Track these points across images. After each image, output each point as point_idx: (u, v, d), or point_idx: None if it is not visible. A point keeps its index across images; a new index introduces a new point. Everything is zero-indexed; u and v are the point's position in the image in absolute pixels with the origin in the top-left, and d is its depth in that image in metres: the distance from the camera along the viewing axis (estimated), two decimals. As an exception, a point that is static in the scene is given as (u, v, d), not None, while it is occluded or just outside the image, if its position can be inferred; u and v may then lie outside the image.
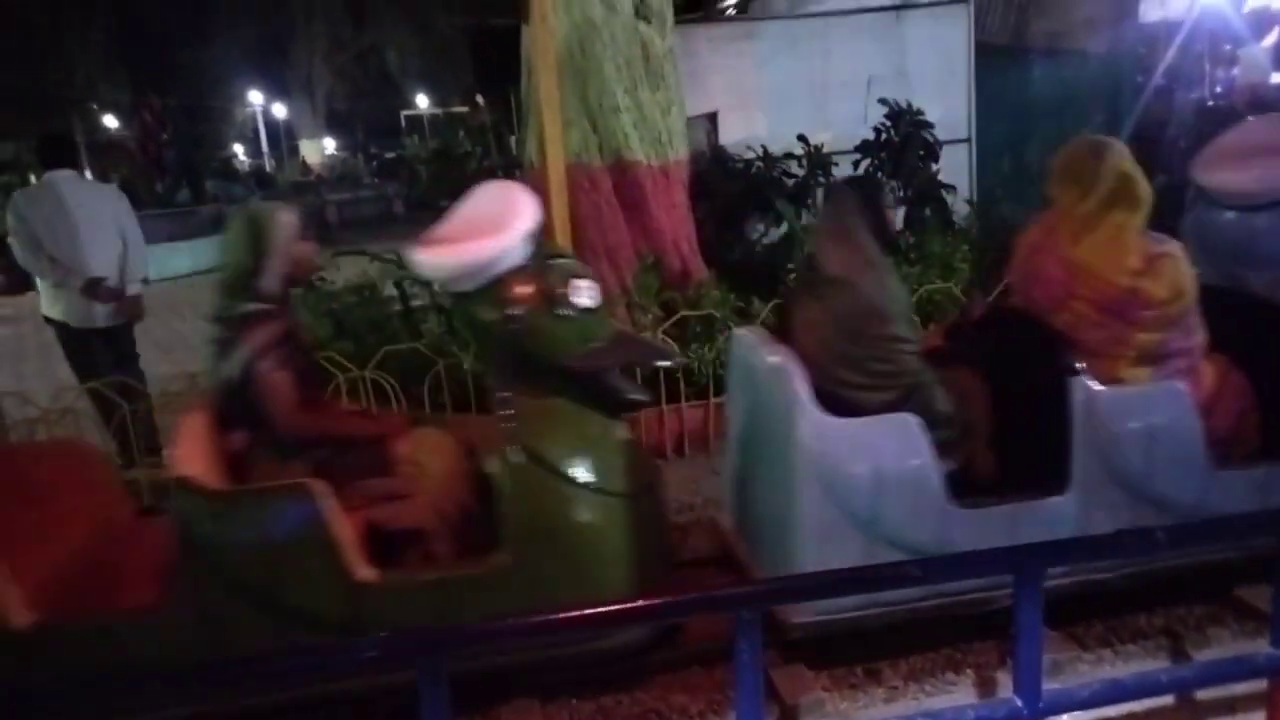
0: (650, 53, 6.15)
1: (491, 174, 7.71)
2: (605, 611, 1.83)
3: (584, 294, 2.77)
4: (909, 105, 6.78)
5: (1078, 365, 2.87)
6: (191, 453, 2.64)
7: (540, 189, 5.04)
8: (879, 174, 6.81)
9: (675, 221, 6.32)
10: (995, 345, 3.22)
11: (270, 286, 2.88)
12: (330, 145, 39.70)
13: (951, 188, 6.81)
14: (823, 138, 7.24)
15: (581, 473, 2.67)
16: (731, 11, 9.95)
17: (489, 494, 2.77)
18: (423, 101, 35.67)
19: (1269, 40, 14.98)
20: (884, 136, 6.82)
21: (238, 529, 2.53)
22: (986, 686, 2.75)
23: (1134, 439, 2.85)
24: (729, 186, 7.11)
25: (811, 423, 2.72)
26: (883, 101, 6.83)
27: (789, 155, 7.21)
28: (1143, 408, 2.88)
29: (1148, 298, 2.87)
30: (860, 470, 2.70)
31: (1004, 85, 9.04)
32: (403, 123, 33.43)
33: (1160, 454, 2.87)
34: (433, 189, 7.97)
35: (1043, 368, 2.93)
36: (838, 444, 2.72)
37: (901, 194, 6.78)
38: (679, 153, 6.37)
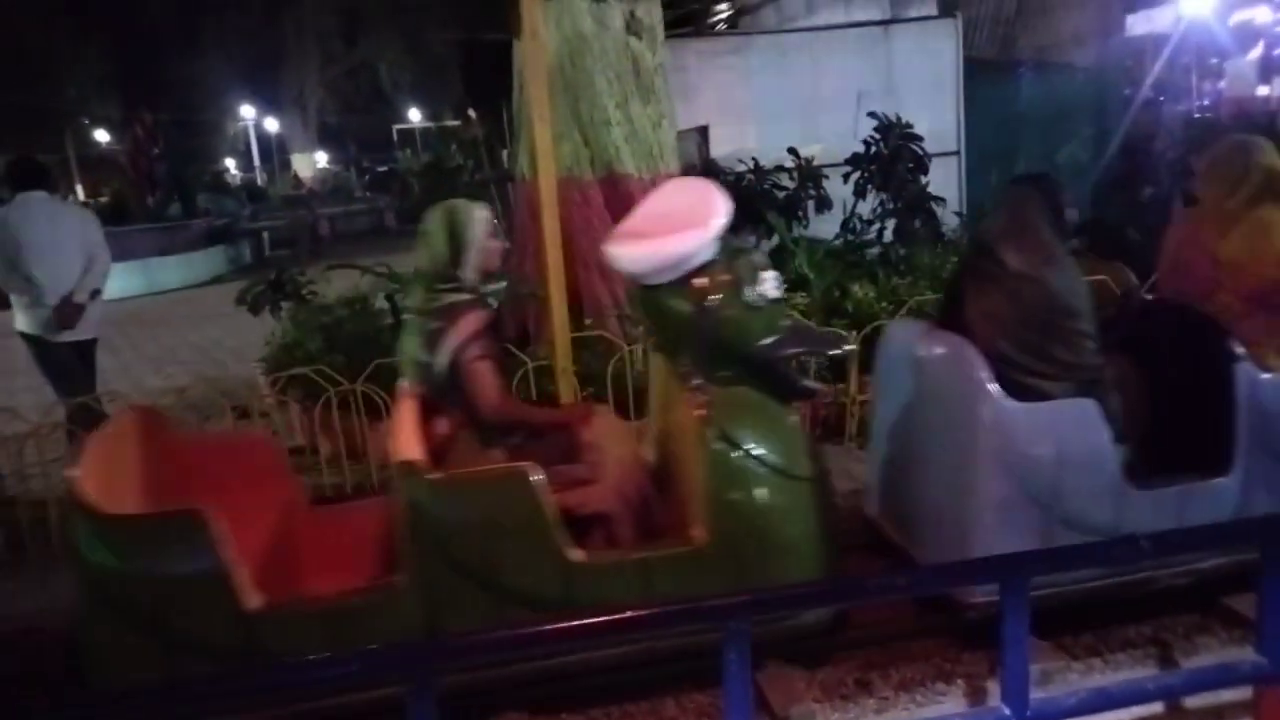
0: (641, 67, 6.19)
1: (484, 187, 7.72)
2: (593, 623, 1.84)
3: (770, 285, 2.89)
4: (898, 118, 6.83)
5: (1239, 352, 3.01)
6: (409, 438, 2.73)
7: (531, 202, 5.07)
8: (869, 187, 6.85)
9: (666, 234, 6.34)
10: (1156, 335, 3.33)
11: (469, 278, 2.98)
12: (322, 159, 39.72)
13: (941, 200, 6.85)
14: (813, 151, 7.28)
15: (773, 457, 2.77)
16: (722, 26, 10.02)
17: (659, 478, 2.95)
18: (415, 115, 35.75)
19: (1254, 54, 15.14)
20: (874, 149, 6.86)
21: (461, 511, 2.63)
22: (976, 696, 2.75)
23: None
24: (721, 200, 7.13)
25: (994, 407, 2.84)
26: (872, 115, 6.87)
27: (779, 168, 7.26)
28: None
29: None
30: (1043, 453, 2.82)
31: (992, 99, 9.12)
32: (395, 136, 33.48)
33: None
34: (424, 202, 7.96)
35: (1206, 356, 3.06)
36: (1020, 428, 2.84)
37: (891, 206, 6.82)
38: (670, 166, 6.41)
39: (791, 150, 7.18)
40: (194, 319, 12.69)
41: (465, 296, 2.96)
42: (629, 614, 1.97)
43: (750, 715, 1.86)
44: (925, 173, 6.76)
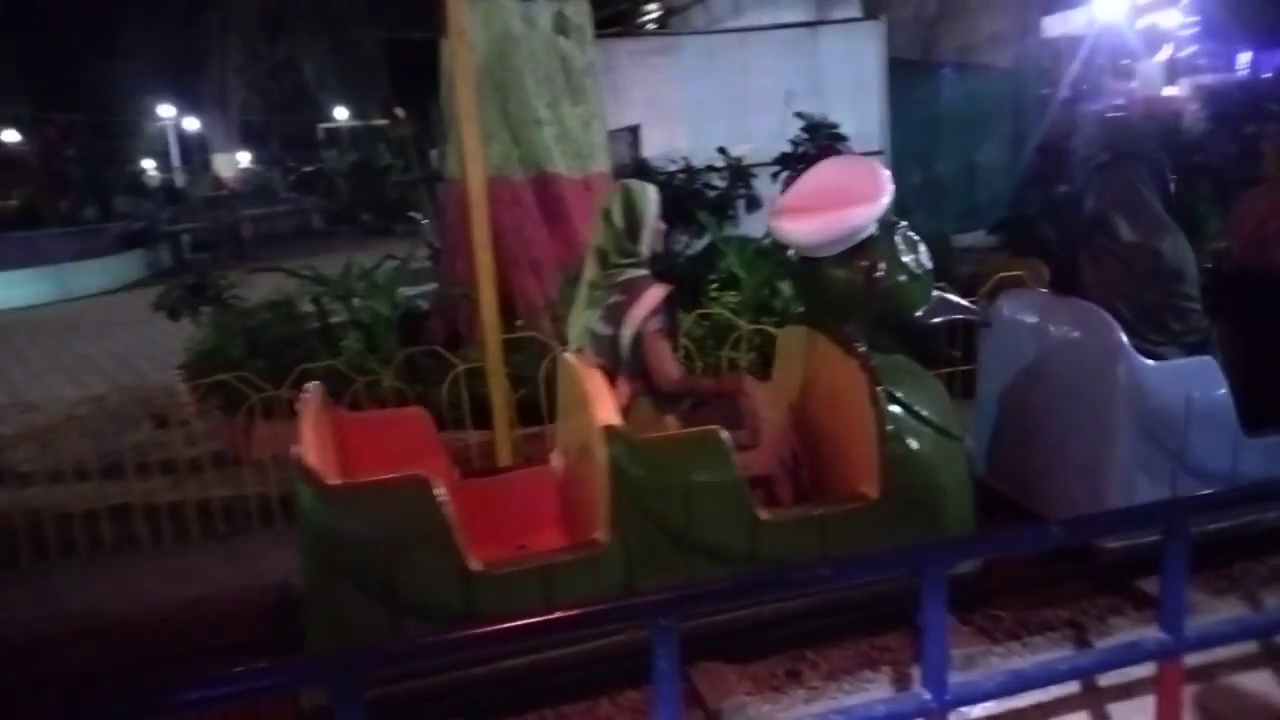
0: (571, 67, 6.19)
1: (413, 187, 7.63)
2: (518, 625, 1.83)
3: (925, 255, 3.12)
4: (825, 119, 6.94)
5: None
6: (608, 405, 2.84)
7: (461, 202, 5.03)
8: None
9: (597, 234, 6.35)
10: (1249, 300, 3.66)
11: (645, 253, 3.12)
12: (245, 159, 38.69)
13: (866, 198, 6.99)
14: (743, 150, 7.36)
15: (935, 417, 2.96)
16: (652, 26, 10.06)
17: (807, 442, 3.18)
18: (341, 114, 35.04)
19: (1161, 56, 15.78)
20: (801, 149, 6.97)
21: (660, 471, 2.76)
22: (901, 682, 2.82)
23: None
24: (651, 199, 7.16)
25: (1129, 367, 3.10)
26: (799, 115, 6.98)
27: (710, 168, 7.32)
28: None
29: None
30: (1173, 406, 3.12)
31: (914, 99, 9.34)
32: (320, 136, 32.77)
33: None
34: (352, 202, 7.83)
35: None
36: (1152, 385, 3.13)
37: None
38: (601, 165, 6.42)
39: (721, 150, 7.25)
40: (111, 325, 12.25)
41: (644, 272, 3.11)
42: (558, 615, 1.97)
43: (680, 711, 1.87)
44: (850, 171, 6.89)
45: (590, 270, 3.19)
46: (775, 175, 6.94)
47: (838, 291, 3.09)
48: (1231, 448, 3.18)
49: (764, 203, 7.07)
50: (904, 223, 3.23)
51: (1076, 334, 3.30)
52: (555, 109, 6.12)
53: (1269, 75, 14.55)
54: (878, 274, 2.99)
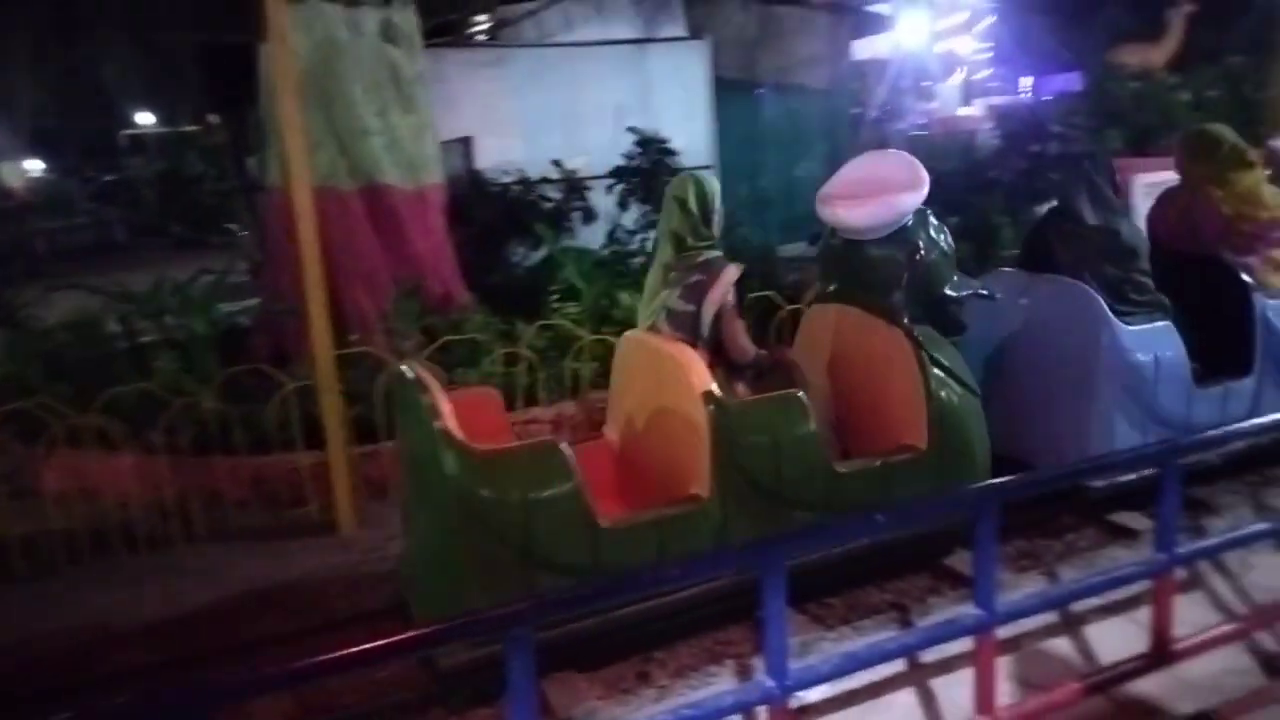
0: (399, 75, 6.06)
1: (229, 196, 7.23)
2: (372, 648, 1.79)
3: (949, 238, 3.63)
4: (656, 134, 7.12)
5: (1251, 283, 4.08)
6: (705, 374, 3.14)
7: (285, 213, 4.82)
8: (630, 198, 7.09)
9: (434, 246, 6.24)
10: (1184, 277, 4.16)
11: (717, 236, 3.45)
12: (38, 167, 35.35)
13: (696, 211, 7.21)
14: (577, 163, 7.43)
15: (965, 377, 3.46)
16: (482, 37, 9.99)
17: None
18: (147, 120, 32.66)
19: (955, 79, 17.13)
20: (634, 163, 7.12)
21: (755, 431, 3.12)
22: (745, 673, 2.93)
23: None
24: (487, 211, 7.12)
25: (1110, 330, 3.73)
26: (631, 130, 7.13)
27: (545, 180, 7.35)
28: None
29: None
30: (1145, 363, 3.77)
31: (738, 116, 9.72)
32: (123, 142, 30.42)
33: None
34: (163, 214, 7.33)
35: (1227, 289, 4.15)
36: (1128, 346, 3.77)
37: (654, 218, 7.10)
38: (434, 177, 6.31)
39: (556, 162, 7.30)
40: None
41: (719, 253, 3.41)
42: (412, 634, 1.93)
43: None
44: (682, 184, 7.09)
45: (665, 254, 3.46)
46: (610, 188, 7.06)
47: (884, 269, 3.55)
48: (1187, 397, 3.90)
49: (600, 215, 7.16)
50: (930, 210, 3.68)
51: (1062, 305, 3.89)
52: (384, 118, 5.97)
53: (1048, 98, 16.08)
54: (920, 254, 3.50)
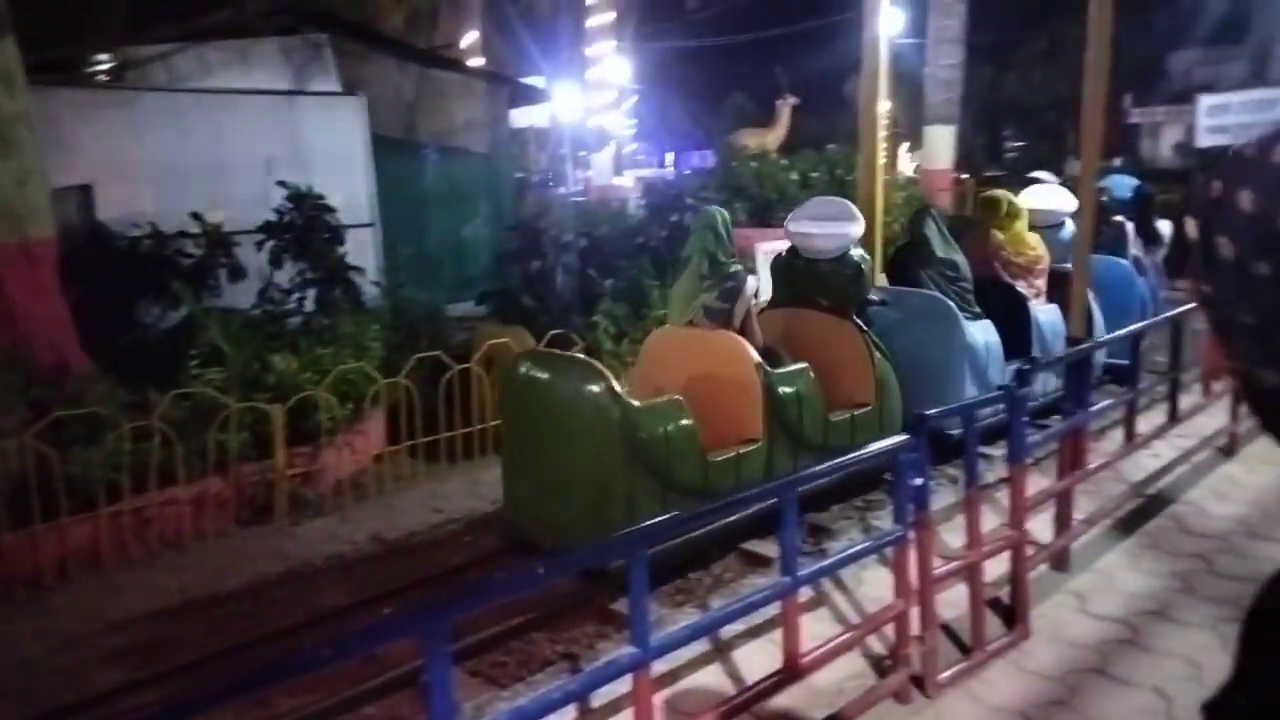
0: (-3, 114, 5.28)
1: None
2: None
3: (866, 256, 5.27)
4: (310, 189, 6.84)
5: (1025, 297, 5.99)
6: (752, 351, 4.46)
7: None
8: (285, 255, 6.72)
9: (43, 307, 5.46)
10: (986, 294, 5.78)
11: (736, 255, 4.78)
12: None
13: (360, 270, 7.02)
14: (221, 217, 6.92)
15: (887, 354, 5.03)
16: (104, 78, 9.00)
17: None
18: None
19: (608, 151, 18.39)
20: (287, 218, 6.77)
21: (790, 389, 4.48)
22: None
23: (1058, 336, 5.91)
24: (113, 267, 6.37)
25: (961, 328, 5.34)
26: (282, 184, 6.78)
27: (184, 234, 6.74)
28: (1051, 320, 6.01)
29: (1042, 262, 6.11)
30: (983, 346, 5.44)
31: (401, 175, 9.64)
32: None
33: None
34: None
35: (1014, 303, 5.90)
36: (975, 335, 5.41)
37: (310, 276, 6.78)
38: (43, 229, 5.55)
39: (195, 215, 6.73)
40: None
41: (740, 267, 4.66)
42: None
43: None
44: (341, 243, 6.87)
45: (700, 267, 4.62)
46: (260, 244, 6.64)
47: (836, 280, 5.02)
48: (1000, 370, 5.46)
49: (249, 272, 6.70)
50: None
51: (924, 308, 5.40)
52: (-23, 162, 5.17)
53: (686, 172, 17.77)
54: (862, 268, 5.02)
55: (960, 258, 5.61)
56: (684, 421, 4.03)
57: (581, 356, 4.54)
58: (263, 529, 5.10)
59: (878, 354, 4.87)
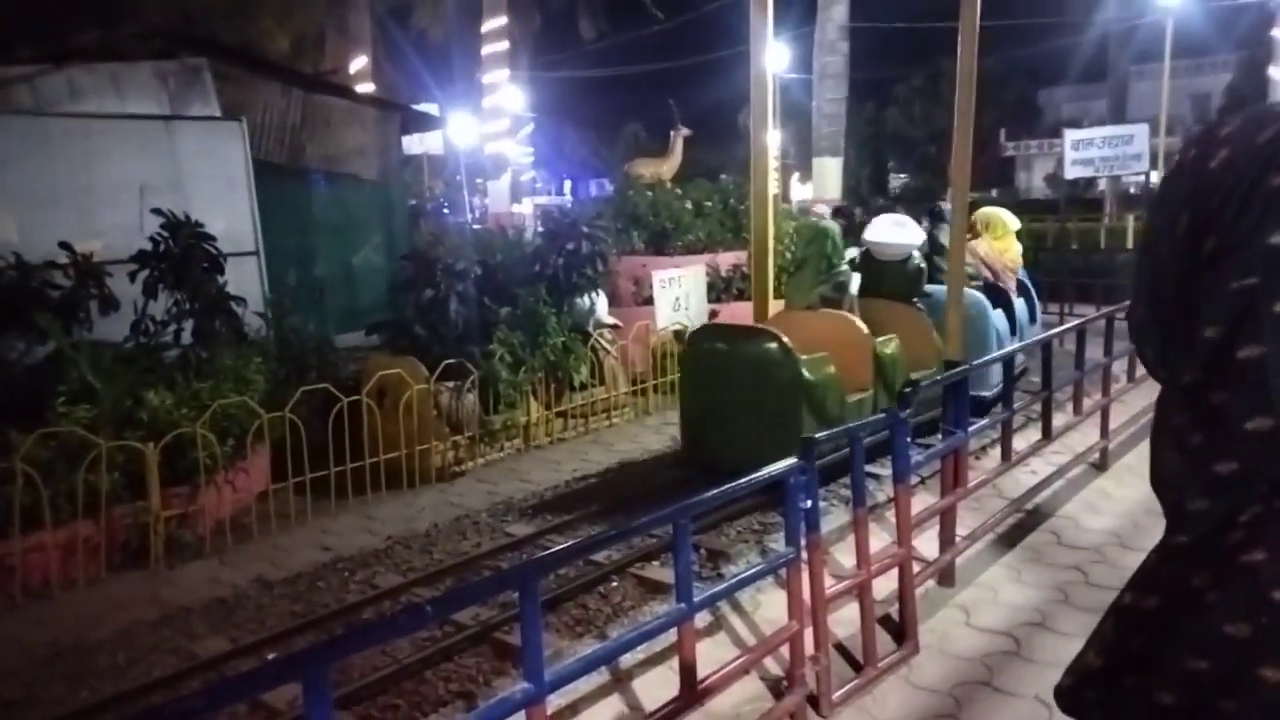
0: None
1: None
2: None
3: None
4: (187, 217, 6.55)
5: (1010, 294, 7.70)
6: (864, 326, 6.10)
7: None
8: (160, 286, 6.41)
9: (-113, 344, 5.05)
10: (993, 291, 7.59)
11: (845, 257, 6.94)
12: None
13: (242, 300, 6.75)
14: (92, 246, 6.55)
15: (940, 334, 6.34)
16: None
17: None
18: None
19: (505, 179, 18.33)
20: (163, 247, 6.46)
21: (887, 352, 6.07)
22: None
23: (1029, 323, 7.97)
24: (-31, 299, 5.96)
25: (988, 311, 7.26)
26: (156, 212, 6.47)
27: (51, 264, 6.35)
28: (1023, 310, 7.90)
29: (1017, 266, 7.93)
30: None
31: (286, 203, 9.36)
32: None
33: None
34: None
35: (1005, 296, 7.66)
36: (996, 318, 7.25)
37: (188, 307, 6.48)
38: (-114, 260, 5.15)
39: (65, 245, 6.36)
40: None
41: (847, 267, 6.81)
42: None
43: None
44: (222, 272, 6.59)
45: (819, 265, 6.75)
46: (133, 275, 6.31)
47: (906, 277, 6.72)
48: (1023, 337, 7.39)
49: (122, 304, 6.36)
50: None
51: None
52: None
53: (583, 200, 17.84)
54: (922, 267, 6.80)
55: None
56: (831, 370, 5.50)
57: (759, 326, 5.73)
58: (138, 574, 4.82)
59: (935, 331, 6.33)
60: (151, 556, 4.93)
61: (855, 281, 6.61)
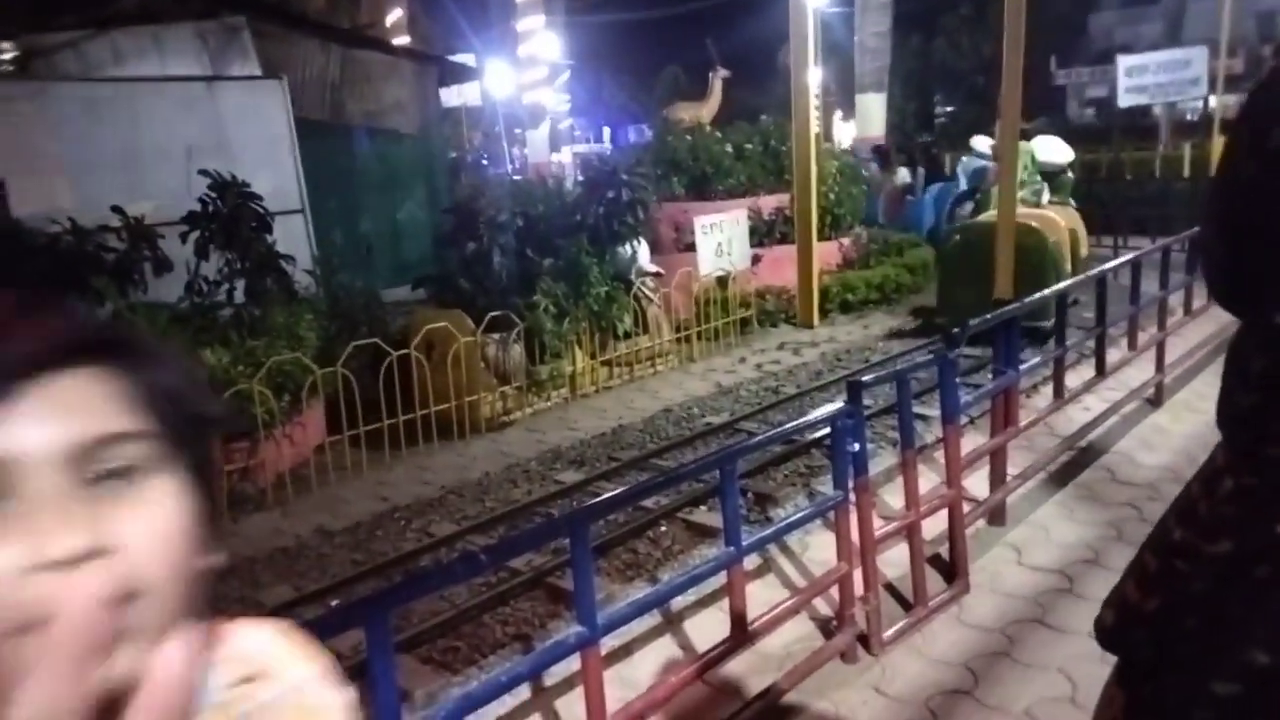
0: (-109, 109, 5.04)
1: None
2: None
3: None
4: (234, 177, 6.64)
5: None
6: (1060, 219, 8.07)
7: None
8: (210, 246, 6.53)
9: (-44, 311, 5.23)
10: None
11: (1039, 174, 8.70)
12: None
13: (290, 258, 6.85)
14: (143, 209, 6.68)
15: None
16: (8, 68, 8.62)
17: None
18: None
19: (543, 128, 18.18)
20: (212, 208, 6.57)
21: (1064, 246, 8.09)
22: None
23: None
24: (31, 265, 6.13)
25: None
26: (203, 173, 6.57)
27: (105, 228, 6.50)
28: None
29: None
30: None
31: (329, 159, 9.42)
32: None
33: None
34: None
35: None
36: None
37: (239, 266, 6.60)
38: (-50, 228, 5.32)
39: (116, 208, 6.50)
40: None
41: (1043, 183, 8.44)
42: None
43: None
44: (270, 231, 6.69)
45: (1022, 175, 7.82)
46: (185, 236, 6.44)
47: (1063, 185, 8.93)
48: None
49: (175, 266, 6.50)
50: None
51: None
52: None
53: (622, 147, 17.66)
54: (1071, 178, 9.25)
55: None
56: (1058, 239, 7.62)
57: (1021, 222, 7.50)
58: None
59: (1081, 224, 8.43)
60: (216, 509, 5.11)
61: (1046, 191, 8.31)
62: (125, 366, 0.56)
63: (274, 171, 7.97)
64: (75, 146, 7.35)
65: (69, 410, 0.52)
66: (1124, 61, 14.55)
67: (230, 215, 6.54)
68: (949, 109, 28.07)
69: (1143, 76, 14.08)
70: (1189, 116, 20.85)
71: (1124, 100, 14.67)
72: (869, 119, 16.81)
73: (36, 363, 0.52)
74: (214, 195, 6.51)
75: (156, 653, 0.53)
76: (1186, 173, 14.11)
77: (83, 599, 0.49)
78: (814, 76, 8.16)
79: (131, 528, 0.53)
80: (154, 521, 0.55)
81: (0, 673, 0.48)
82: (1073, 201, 9.01)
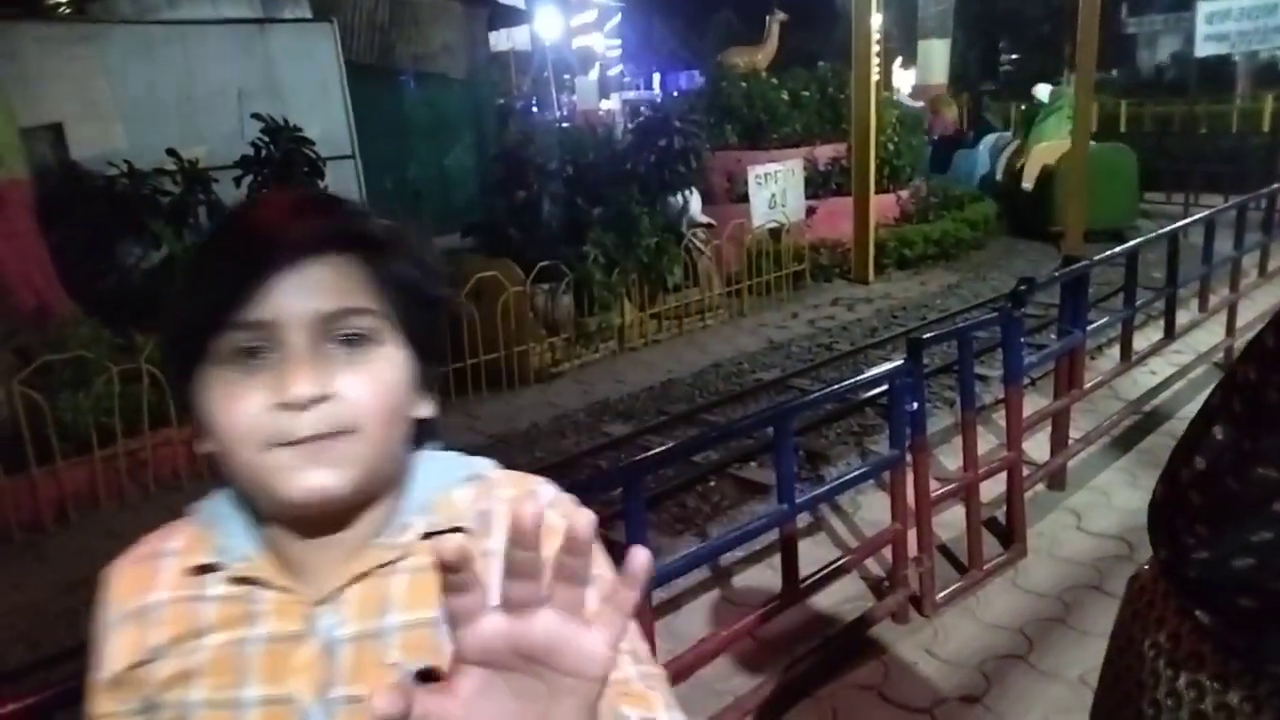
0: (-46, 50, 5.09)
1: None
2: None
3: None
4: (286, 122, 6.63)
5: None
6: None
7: None
8: (264, 190, 6.56)
9: (21, 250, 5.34)
10: None
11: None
12: None
13: (342, 204, 6.86)
14: (197, 153, 6.72)
15: None
16: (65, 11, 8.67)
17: None
18: None
19: (594, 74, 17.93)
20: (264, 153, 6.58)
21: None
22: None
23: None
24: (91, 208, 6.22)
25: None
26: (257, 117, 6.57)
27: (160, 171, 6.55)
28: None
29: None
30: None
31: (378, 104, 9.37)
32: None
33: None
34: None
35: None
36: None
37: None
38: (15, 170, 5.40)
39: (171, 152, 6.54)
40: None
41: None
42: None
43: None
44: (322, 176, 6.70)
45: (1068, 111, 8.99)
46: (238, 180, 6.47)
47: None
48: None
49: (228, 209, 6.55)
50: None
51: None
52: (-63, 101, 5.00)
53: (674, 93, 17.35)
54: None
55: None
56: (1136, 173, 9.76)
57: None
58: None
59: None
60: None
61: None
62: (372, 256, 0.73)
63: (324, 116, 7.95)
64: (130, 90, 7.38)
65: (321, 288, 0.70)
66: (1204, 7, 13.82)
67: (283, 160, 6.56)
68: (1014, 56, 27.05)
69: (1224, 23, 13.36)
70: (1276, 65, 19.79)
71: (1202, 49, 13.93)
72: (931, 66, 16.26)
73: (303, 250, 0.70)
74: (266, 139, 6.52)
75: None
76: (1266, 126, 13.46)
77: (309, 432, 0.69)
78: (875, 21, 7.82)
79: (354, 380, 0.70)
80: (373, 380, 0.71)
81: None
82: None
